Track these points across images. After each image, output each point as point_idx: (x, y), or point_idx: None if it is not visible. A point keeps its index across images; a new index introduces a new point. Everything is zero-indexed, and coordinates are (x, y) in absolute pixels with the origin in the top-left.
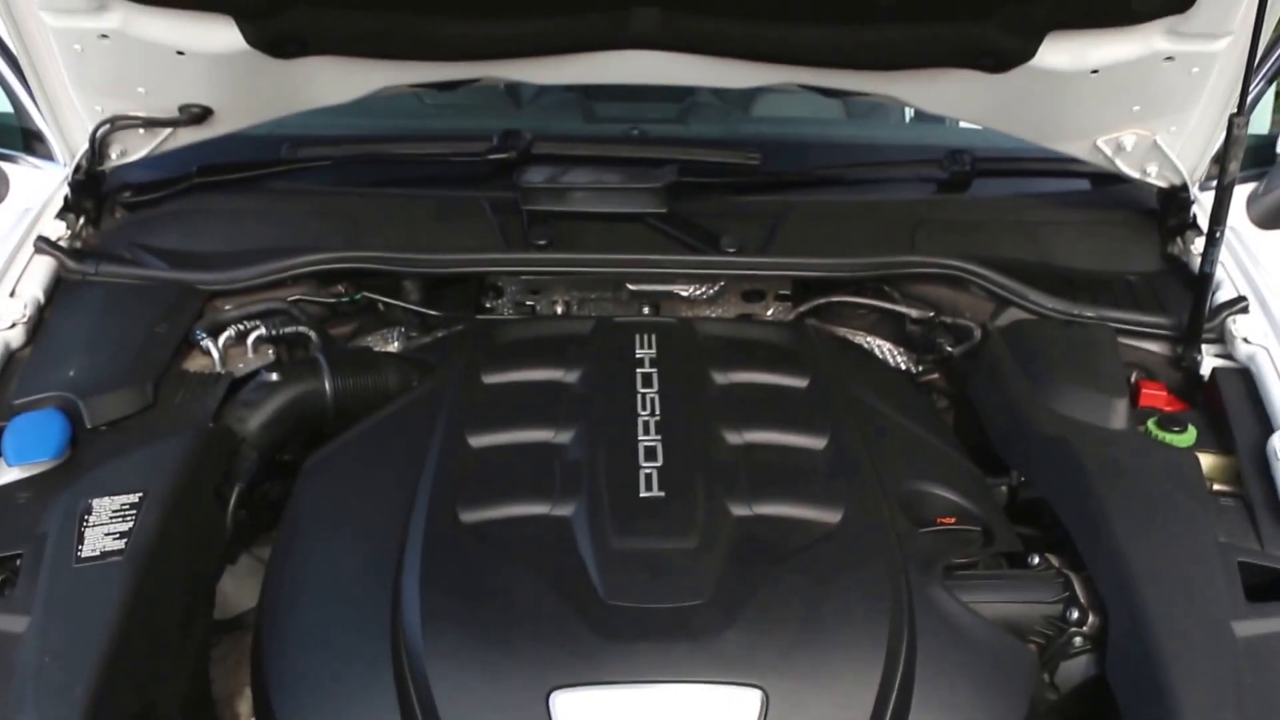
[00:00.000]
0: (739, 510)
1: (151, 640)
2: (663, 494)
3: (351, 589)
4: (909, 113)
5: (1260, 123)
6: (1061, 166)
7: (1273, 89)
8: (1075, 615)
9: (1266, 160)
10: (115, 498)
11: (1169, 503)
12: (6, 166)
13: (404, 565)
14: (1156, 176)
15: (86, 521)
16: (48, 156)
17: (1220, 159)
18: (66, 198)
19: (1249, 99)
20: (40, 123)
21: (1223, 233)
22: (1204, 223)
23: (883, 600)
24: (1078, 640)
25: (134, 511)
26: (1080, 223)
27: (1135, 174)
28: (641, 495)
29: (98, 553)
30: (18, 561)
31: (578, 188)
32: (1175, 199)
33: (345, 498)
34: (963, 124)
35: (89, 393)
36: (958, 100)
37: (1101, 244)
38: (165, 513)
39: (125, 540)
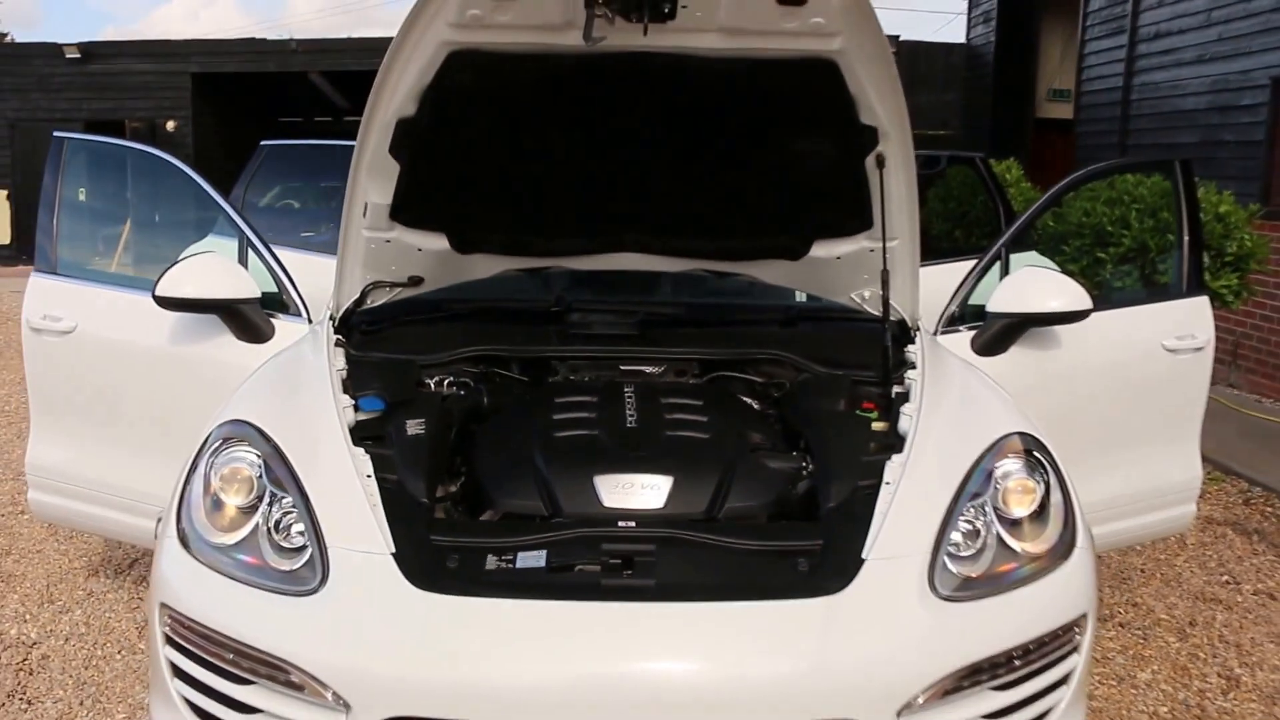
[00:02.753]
0: (668, 433)
1: (436, 464)
2: (636, 425)
3: (514, 451)
4: (800, 296)
5: (982, 297)
6: (840, 314)
7: (996, 270)
8: (806, 463)
9: (981, 317)
10: (413, 421)
11: (851, 429)
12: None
13: (535, 449)
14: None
15: (404, 429)
16: (296, 314)
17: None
18: (338, 324)
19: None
20: (292, 294)
21: (888, 322)
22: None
23: (725, 452)
24: (804, 477)
25: (422, 426)
26: (851, 340)
27: (876, 314)
28: (627, 425)
29: (412, 434)
30: (384, 440)
31: (594, 324)
32: (899, 328)
33: (504, 430)
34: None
35: (388, 395)
36: (781, 276)
37: (859, 350)
38: (433, 427)
39: (423, 430)
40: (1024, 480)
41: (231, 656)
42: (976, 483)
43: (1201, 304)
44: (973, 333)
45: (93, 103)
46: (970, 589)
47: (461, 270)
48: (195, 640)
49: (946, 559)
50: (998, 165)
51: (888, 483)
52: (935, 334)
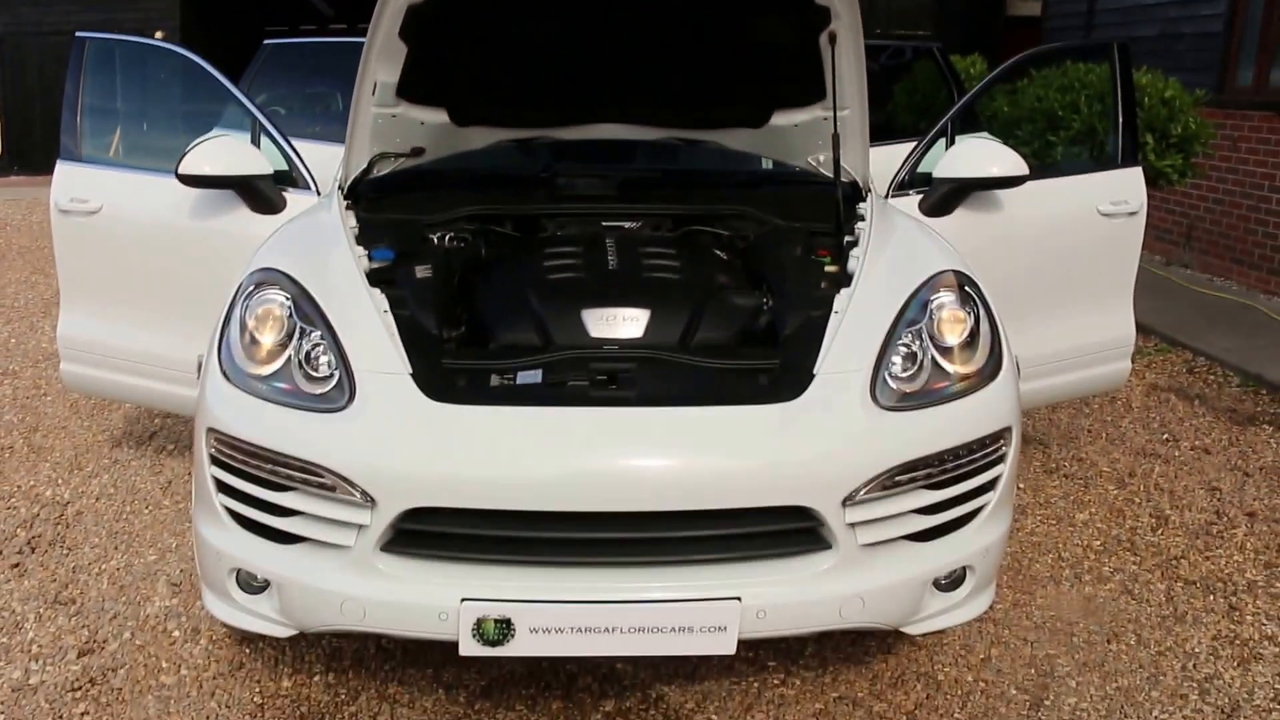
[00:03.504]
0: (646, 274)
1: (443, 303)
2: (618, 267)
3: (510, 292)
4: (766, 162)
5: (929, 165)
6: (799, 176)
7: (941, 144)
8: (767, 299)
9: (927, 183)
10: (421, 267)
11: (806, 271)
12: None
13: (529, 289)
14: (842, 177)
15: (413, 273)
16: (305, 188)
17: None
18: (347, 190)
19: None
20: (302, 170)
21: (839, 180)
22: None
23: (695, 290)
24: (765, 311)
25: (429, 271)
26: (808, 197)
27: (830, 176)
28: (610, 268)
29: (420, 277)
30: (395, 283)
31: (579, 186)
32: (851, 188)
33: (501, 276)
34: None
35: (397, 247)
36: (747, 142)
37: (816, 206)
38: (438, 272)
39: (430, 274)
40: (956, 311)
41: (270, 467)
42: (913, 311)
43: (1135, 174)
44: (920, 196)
45: (81, 14)
46: (907, 401)
47: (459, 142)
48: (238, 457)
49: (887, 376)
50: (962, 61)
51: (836, 312)
52: (886, 197)
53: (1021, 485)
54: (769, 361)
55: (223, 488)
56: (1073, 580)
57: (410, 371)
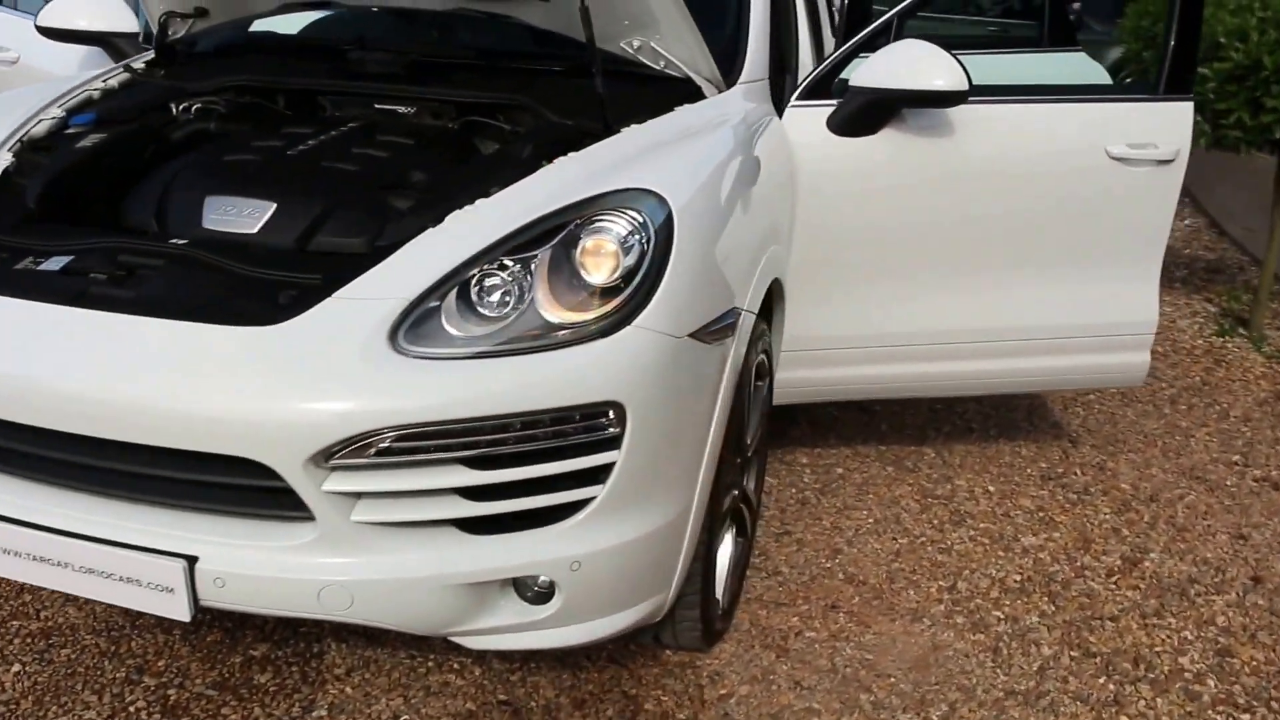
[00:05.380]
0: (325, 164)
1: (88, 171)
2: (298, 154)
3: (169, 169)
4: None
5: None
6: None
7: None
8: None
9: (842, 94)
10: (97, 135)
11: (506, 172)
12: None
13: (182, 168)
14: (668, 67)
15: (78, 139)
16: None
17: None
18: (156, 52)
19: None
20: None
21: (599, 69)
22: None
23: (354, 186)
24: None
25: (98, 140)
26: (628, 94)
27: (657, 67)
28: (289, 153)
29: (81, 145)
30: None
31: (366, 61)
32: (683, 84)
33: (189, 151)
34: None
35: (105, 113)
36: (554, 21)
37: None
38: (113, 142)
39: (94, 144)
40: (603, 240)
41: None
42: (531, 235)
43: (1178, 110)
44: (828, 110)
45: None
46: (453, 347)
47: (247, 4)
48: None
49: (443, 314)
50: None
51: (441, 225)
52: (786, 104)
53: (990, 488)
54: (310, 276)
55: None
56: (937, 622)
57: None
